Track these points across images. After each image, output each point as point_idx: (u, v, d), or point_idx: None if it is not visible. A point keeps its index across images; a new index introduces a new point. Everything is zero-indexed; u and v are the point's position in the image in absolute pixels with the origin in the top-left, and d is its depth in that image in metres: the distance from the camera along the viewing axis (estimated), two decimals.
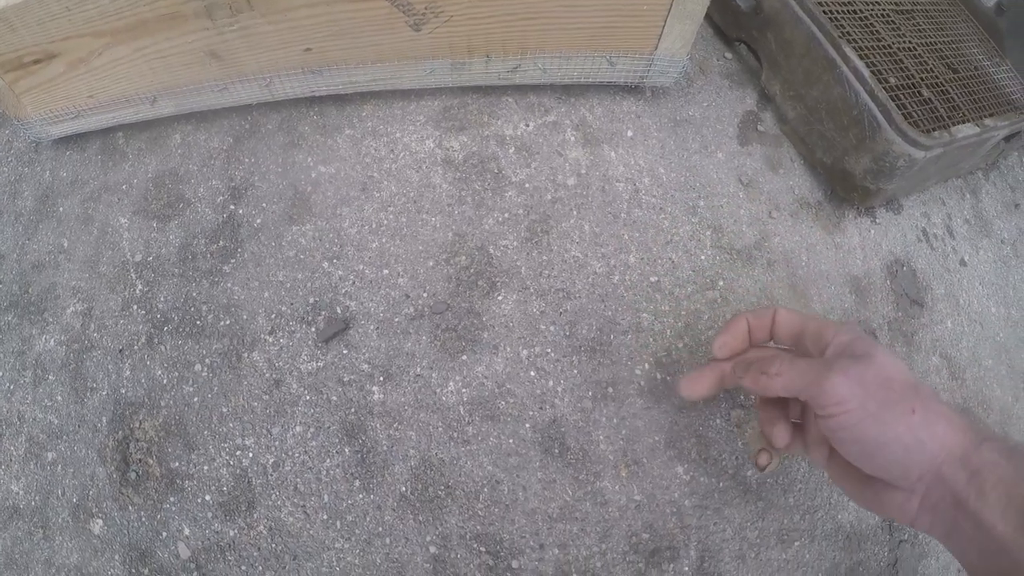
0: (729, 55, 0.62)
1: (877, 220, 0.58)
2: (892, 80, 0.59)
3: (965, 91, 0.65)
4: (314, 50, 0.49)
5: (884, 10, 0.67)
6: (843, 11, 0.61)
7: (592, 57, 0.51)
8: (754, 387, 0.35)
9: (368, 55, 0.49)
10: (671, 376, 0.48)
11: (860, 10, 0.64)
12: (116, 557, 0.46)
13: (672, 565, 0.45)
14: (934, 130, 0.52)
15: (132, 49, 0.48)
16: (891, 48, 0.63)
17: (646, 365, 0.47)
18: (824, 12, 0.56)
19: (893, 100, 0.52)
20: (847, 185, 0.54)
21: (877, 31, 0.64)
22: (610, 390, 0.47)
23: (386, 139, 0.52)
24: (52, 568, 0.48)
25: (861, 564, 0.50)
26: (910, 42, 0.66)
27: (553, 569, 0.44)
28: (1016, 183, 0.71)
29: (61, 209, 0.54)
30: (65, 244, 0.53)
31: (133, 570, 0.46)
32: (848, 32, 0.59)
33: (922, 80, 0.62)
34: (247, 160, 0.52)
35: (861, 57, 0.53)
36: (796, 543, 0.48)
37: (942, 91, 0.63)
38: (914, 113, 0.56)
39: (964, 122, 0.55)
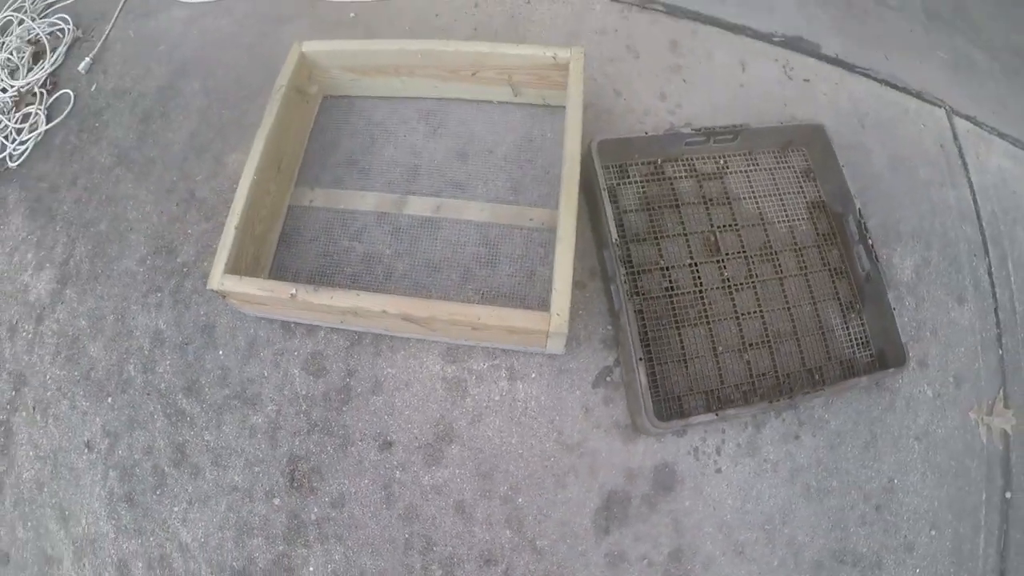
0: (611, 327, 1.11)
1: (662, 441, 1.06)
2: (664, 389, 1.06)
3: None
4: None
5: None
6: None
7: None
8: None
9: (405, 330, 1.06)
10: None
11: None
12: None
13: None
14: (671, 419, 1.00)
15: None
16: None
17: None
18: (639, 338, 1.05)
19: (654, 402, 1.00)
20: (640, 429, 1.04)
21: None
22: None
23: (416, 360, 1.10)
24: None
25: None
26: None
27: None
28: (807, 419, 1.10)
29: (262, 354, 1.17)
30: (265, 374, 1.16)
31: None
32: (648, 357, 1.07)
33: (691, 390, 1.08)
34: (356, 356, 1.12)
35: (647, 374, 1.01)
36: None
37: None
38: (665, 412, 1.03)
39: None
